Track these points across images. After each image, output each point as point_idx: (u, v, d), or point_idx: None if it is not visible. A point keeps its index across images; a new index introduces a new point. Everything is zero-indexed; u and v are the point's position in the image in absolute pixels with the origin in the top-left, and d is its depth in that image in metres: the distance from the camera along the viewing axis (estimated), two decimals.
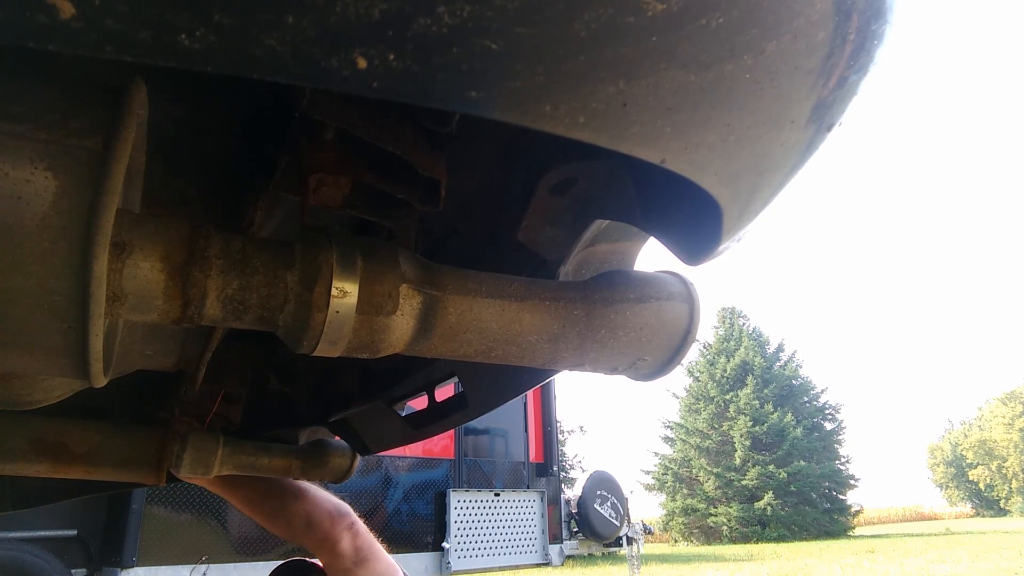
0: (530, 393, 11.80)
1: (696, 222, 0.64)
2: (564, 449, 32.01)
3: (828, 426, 33.32)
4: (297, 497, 1.52)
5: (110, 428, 1.35)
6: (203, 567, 7.51)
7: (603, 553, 14.84)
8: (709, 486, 31.26)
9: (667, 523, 33.37)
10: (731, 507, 29.82)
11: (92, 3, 0.33)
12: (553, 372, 0.99)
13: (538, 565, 11.95)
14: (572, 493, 15.20)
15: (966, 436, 59.85)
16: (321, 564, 1.50)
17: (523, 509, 12.01)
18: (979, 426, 59.21)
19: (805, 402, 33.41)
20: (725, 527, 29.62)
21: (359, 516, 1.56)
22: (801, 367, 34.53)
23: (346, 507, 1.54)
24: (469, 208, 1.00)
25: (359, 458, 1.67)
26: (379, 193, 0.85)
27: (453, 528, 10.76)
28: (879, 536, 26.65)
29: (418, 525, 10.56)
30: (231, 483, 1.58)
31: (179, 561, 7.42)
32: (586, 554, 14.54)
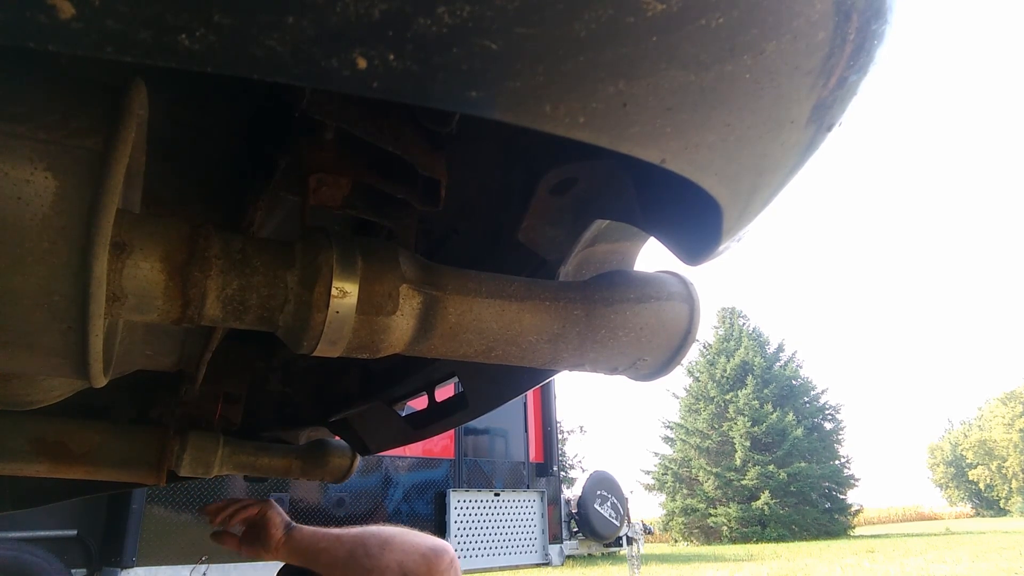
0: (530, 393, 11.80)
1: (696, 222, 0.64)
2: (564, 449, 32.01)
3: (828, 426, 33.32)
4: (384, 548, 1.39)
5: (110, 428, 1.35)
6: (203, 567, 7.51)
7: (603, 553, 14.84)
8: (709, 486, 31.26)
9: (667, 523, 33.37)
10: (731, 507, 29.82)
11: (92, 3, 0.33)
12: (553, 372, 0.99)
13: (538, 565, 11.95)
14: (572, 493, 15.20)
15: (966, 436, 59.85)
16: None
17: (523, 509, 12.01)
18: (979, 426, 59.21)
19: (805, 402, 33.40)
20: (725, 527, 29.62)
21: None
22: (801, 367, 34.54)
23: (441, 544, 1.42)
24: (469, 208, 1.00)
25: (359, 458, 1.67)
26: (379, 193, 0.85)
27: (453, 528, 10.76)
28: (879, 536, 26.66)
29: (418, 525, 10.42)
30: (314, 554, 1.48)
31: (179, 561, 7.41)
32: (586, 554, 14.55)
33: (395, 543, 1.39)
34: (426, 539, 1.42)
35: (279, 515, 1.57)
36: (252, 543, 1.56)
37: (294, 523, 1.57)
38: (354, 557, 1.41)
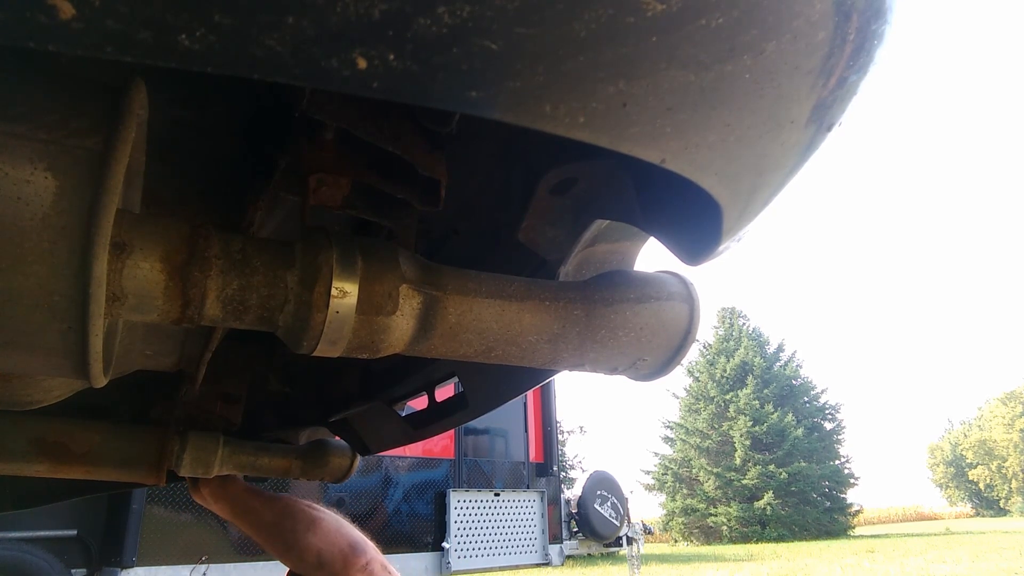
0: (530, 393, 11.80)
1: (696, 222, 0.64)
2: (564, 449, 32.00)
3: (828, 426, 33.34)
4: (309, 529, 1.37)
5: (110, 428, 1.35)
6: (203, 567, 7.51)
7: (603, 553, 14.84)
8: (709, 486, 31.27)
9: (667, 523, 33.38)
10: (731, 507, 29.83)
11: (92, 4, 0.33)
12: (553, 372, 0.99)
13: (538, 565, 11.95)
14: (572, 493, 15.20)
15: (966, 436, 59.87)
16: None
17: (523, 509, 12.01)
18: (979, 426, 59.24)
19: (805, 402, 33.41)
20: (725, 527, 29.62)
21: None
22: (801, 367, 34.54)
23: (362, 543, 1.39)
24: (469, 208, 1.00)
25: (359, 458, 1.67)
26: (379, 193, 0.85)
27: (453, 528, 10.76)
28: (879, 536, 26.65)
29: (418, 525, 10.56)
30: (242, 511, 1.50)
31: (179, 561, 7.42)
32: (586, 554, 14.55)
33: (320, 528, 1.38)
34: (349, 535, 1.40)
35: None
36: (194, 479, 1.57)
37: (235, 475, 1.57)
38: (279, 528, 1.40)
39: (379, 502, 10.12)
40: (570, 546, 13.86)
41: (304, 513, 1.41)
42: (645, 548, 17.12)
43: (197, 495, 1.57)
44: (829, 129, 0.54)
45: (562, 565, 12.44)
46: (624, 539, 13.80)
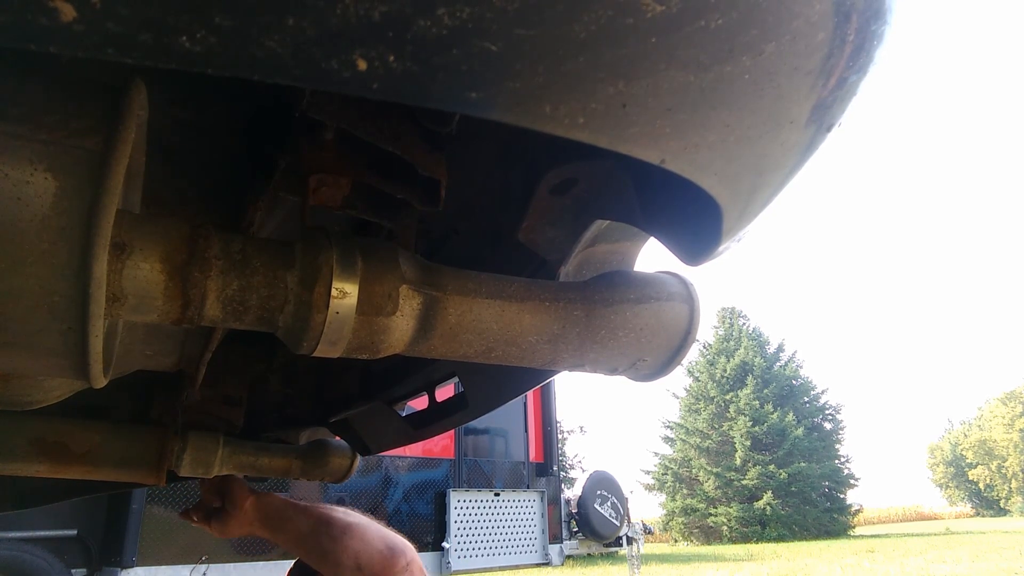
0: (530, 393, 11.80)
1: (696, 222, 0.64)
2: (564, 449, 31.96)
3: (828, 426, 33.35)
4: (345, 533, 1.35)
5: (110, 428, 1.35)
6: (203, 567, 7.51)
7: (603, 553, 14.84)
8: (709, 486, 31.27)
9: (667, 523, 33.38)
10: (731, 507, 29.83)
11: (93, 6, 0.33)
12: (553, 372, 0.99)
13: (538, 565, 11.95)
14: (572, 493, 15.21)
15: (966, 436, 59.88)
16: None
17: (523, 509, 12.02)
18: (979, 426, 59.24)
19: (805, 402, 33.42)
20: (725, 527, 29.62)
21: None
22: (801, 367, 34.55)
23: (401, 544, 1.38)
24: (469, 208, 1.00)
25: (359, 458, 1.67)
26: (379, 193, 0.85)
27: (453, 528, 10.76)
28: (879, 536, 26.65)
29: (418, 525, 10.56)
30: (281, 525, 1.46)
31: (179, 561, 7.42)
32: (586, 554, 14.55)
33: (356, 532, 1.36)
34: (387, 536, 1.38)
35: (244, 482, 1.55)
36: (215, 512, 1.53)
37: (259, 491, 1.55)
38: (315, 535, 1.38)
39: (379, 502, 10.12)
40: (570, 546, 13.87)
41: (338, 519, 1.39)
42: (645, 548, 17.12)
43: (235, 524, 1.50)
44: (829, 129, 0.54)
45: (562, 565, 12.44)
46: (624, 539, 13.80)
